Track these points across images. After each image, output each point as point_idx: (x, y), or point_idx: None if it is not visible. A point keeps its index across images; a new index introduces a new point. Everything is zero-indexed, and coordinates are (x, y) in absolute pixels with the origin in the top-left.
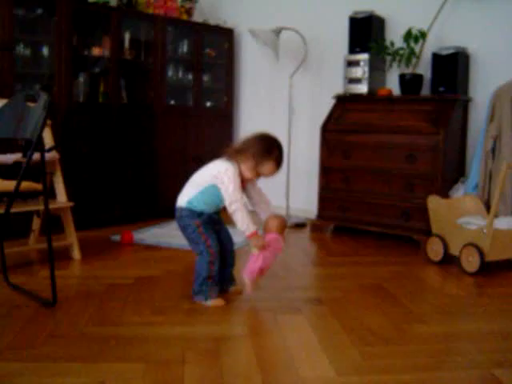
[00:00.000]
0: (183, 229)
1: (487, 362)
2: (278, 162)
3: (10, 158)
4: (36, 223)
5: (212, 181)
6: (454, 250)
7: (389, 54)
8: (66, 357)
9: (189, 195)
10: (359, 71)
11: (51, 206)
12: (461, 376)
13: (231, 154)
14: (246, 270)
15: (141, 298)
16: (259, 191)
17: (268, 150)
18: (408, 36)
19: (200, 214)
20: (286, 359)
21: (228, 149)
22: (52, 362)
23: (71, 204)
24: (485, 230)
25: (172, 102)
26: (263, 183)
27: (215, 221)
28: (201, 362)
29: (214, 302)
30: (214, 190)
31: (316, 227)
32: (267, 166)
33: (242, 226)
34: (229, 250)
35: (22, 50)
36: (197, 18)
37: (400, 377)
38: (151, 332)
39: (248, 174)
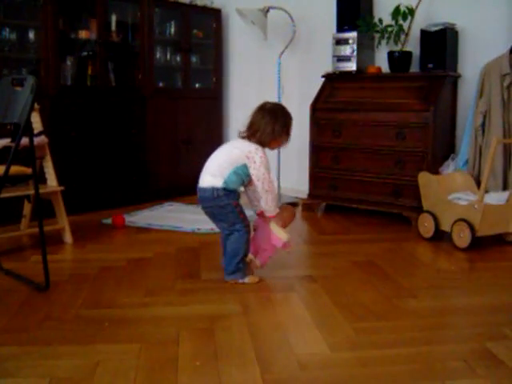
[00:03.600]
0: (220, 208)
1: (479, 335)
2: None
3: None
4: (27, 208)
5: (245, 160)
6: (445, 226)
7: (377, 31)
8: (61, 339)
9: (223, 175)
10: (348, 49)
11: (41, 190)
12: (454, 349)
13: (248, 135)
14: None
15: (134, 279)
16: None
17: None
18: (396, 13)
19: (236, 193)
20: (280, 336)
21: (242, 131)
22: (46, 344)
23: (61, 188)
24: (476, 206)
25: (160, 84)
26: None
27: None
28: (195, 341)
29: (251, 279)
30: (245, 170)
31: (307, 206)
32: (282, 140)
33: (269, 206)
34: None
35: (7, 34)
36: None
37: (393, 351)
38: (145, 313)
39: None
